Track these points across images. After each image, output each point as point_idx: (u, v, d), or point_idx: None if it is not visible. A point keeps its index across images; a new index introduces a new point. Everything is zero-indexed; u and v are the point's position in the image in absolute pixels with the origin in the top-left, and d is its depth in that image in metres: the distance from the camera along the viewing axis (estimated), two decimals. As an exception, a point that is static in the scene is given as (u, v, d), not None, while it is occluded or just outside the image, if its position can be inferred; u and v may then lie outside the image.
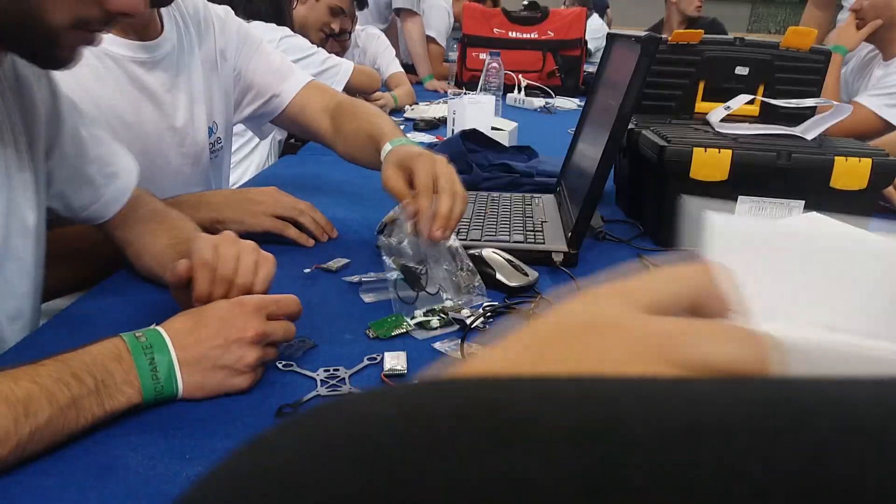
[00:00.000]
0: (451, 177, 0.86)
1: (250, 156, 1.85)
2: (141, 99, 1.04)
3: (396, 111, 2.29)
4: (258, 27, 1.83)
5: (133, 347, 0.59)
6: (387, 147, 0.97)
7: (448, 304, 0.80)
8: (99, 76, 0.99)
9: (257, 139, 1.82)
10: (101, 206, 0.85)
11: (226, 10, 1.20)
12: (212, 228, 0.94)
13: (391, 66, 2.58)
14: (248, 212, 1.01)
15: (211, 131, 1.17)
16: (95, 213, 0.85)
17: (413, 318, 0.77)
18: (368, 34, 2.64)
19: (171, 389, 0.60)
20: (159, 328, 0.62)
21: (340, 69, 1.99)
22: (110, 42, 0.99)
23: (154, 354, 0.60)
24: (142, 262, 0.86)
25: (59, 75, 0.83)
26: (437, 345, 0.74)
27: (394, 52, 2.69)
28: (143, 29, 1.02)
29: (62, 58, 0.67)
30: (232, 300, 0.66)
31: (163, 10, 1.05)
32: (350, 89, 2.03)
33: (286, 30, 1.89)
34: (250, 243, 0.73)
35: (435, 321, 0.77)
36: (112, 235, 0.88)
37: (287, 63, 1.26)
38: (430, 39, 3.31)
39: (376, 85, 2.22)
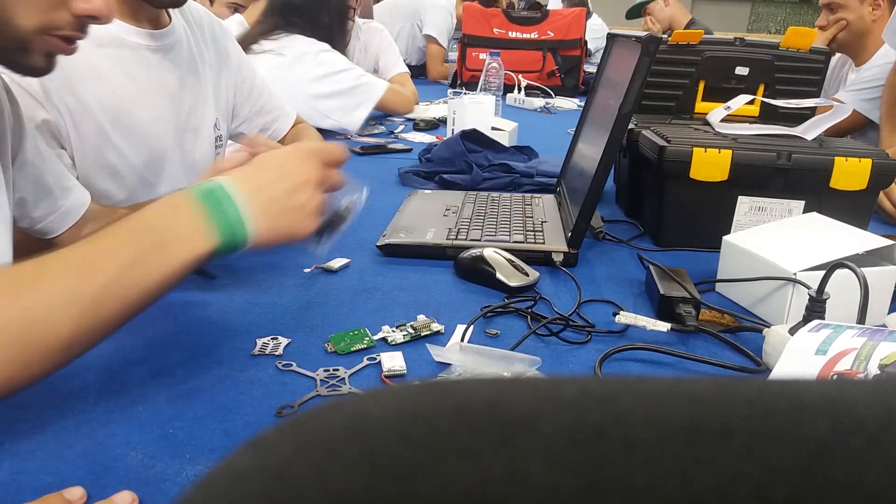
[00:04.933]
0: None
1: None
2: (154, 86, 1.05)
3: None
4: (300, 41, 1.86)
5: (195, 193, 0.57)
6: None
7: (420, 317, 0.78)
8: (115, 62, 1.00)
9: None
10: (58, 216, 0.86)
11: (227, 29, 1.26)
12: None
13: (396, 65, 2.53)
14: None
15: (216, 127, 1.18)
16: (51, 226, 0.86)
17: (378, 332, 0.75)
18: (371, 28, 2.56)
19: (241, 233, 0.59)
20: (217, 177, 0.60)
21: (374, 88, 1.97)
22: (126, 31, 1.00)
23: (221, 197, 0.58)
24: None
25: (78, 65, 0.89)
26: (430, 346, 0.74)
27: (397, 49, 2.63)
28: (155, 19, 1.04)
29: (37, 64, 0.67)
30: (286, 147, 0.66)
31: (170, 9, 1.07)
32: (381, 108, 2.03)
33: (325, 45, 1.90)
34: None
35: (399, 336, 0.74)
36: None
37: (274, 102, 1.34)
38: (431, 39, 3.31)
39: (409, 108, 2.18)
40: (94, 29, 0.89)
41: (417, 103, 2.37)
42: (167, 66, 1.06)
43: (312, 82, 1.85)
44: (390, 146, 1.75)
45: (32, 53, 0.65)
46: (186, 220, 0.56)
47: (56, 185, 0.86)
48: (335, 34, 1.96)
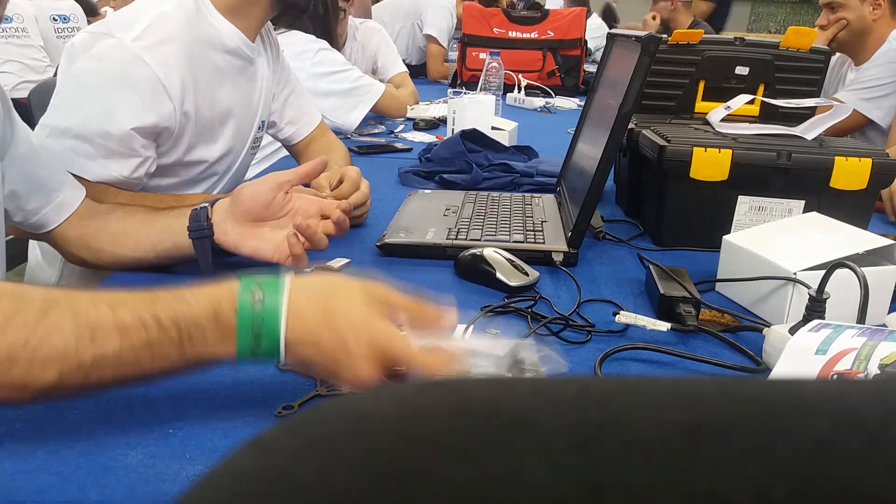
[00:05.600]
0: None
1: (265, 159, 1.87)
2: (245, 93, 1.16)
3: None
4: (299, 37, 1.87)
5: (241, 314, 0.52)
6: None
7: None
8: (236, 70, 1.12)
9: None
10: (52, 209, 0.87)
11: (298, 39, 1.40)
12: None
13: (395, 65, 2.53)
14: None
15: (260, 127, 1.26)
16: (45, 219, 0.87)
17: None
18: (368, 27, 2.56)
19: (271, 358, 0.54)
20: (282, 297, 0.53)
21: (371, 89, 1.99)
22: (243, 42, 1.11)
23: (262, 331, 0.52)
24: (117, 248, 0.87)
25: (211, 71, 1.04)
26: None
27: (395, 48, 2.62)
28: (256, 28, 1.13)
29: None
30: (368, 321, 0.54)
31: None
32: (375, 110, 2.05)
33: (325, 43, 1.92)
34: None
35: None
36: (64, 239, 0.89)
37: (305, 98, 1.40)
38: (431, 39, 3.31)
39: (402, 112, 2.21)
40: (224, 38, 1.08)
41: (417, 102, 2.37)
42: (257, 76, 1.18)
43: (311, 80, 1.85)
44: (390, 146, 1.75)
45: None
46: (217, 334, 0.52)
47: (49, 179, 0.86)
48: (330, 28, 1.98)
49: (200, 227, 0.82)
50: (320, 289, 0.55)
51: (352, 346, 0.53)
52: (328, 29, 1.97)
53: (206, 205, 0.83)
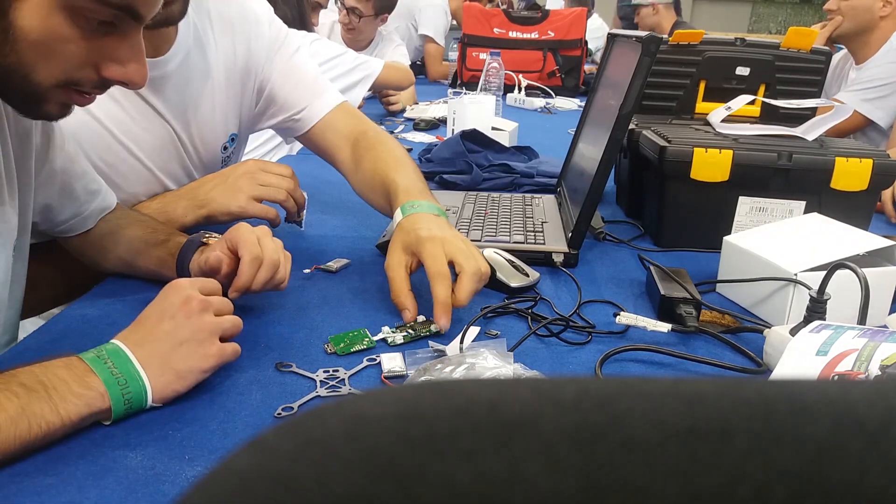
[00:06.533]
0: (466, 252, 0.80)
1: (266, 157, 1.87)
2: (149, 117, 0.98)
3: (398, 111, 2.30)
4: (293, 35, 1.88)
5: (85, 354, 0.58)
6: (397, 216, 0.88)
7: (420, 318, 0.79)
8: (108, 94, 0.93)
9: (278, 143, 1.85)
10: (80, 220, 0.86)
11: (266, 15, 1.10)
12: (202, 221, 0.98)
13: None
14: (232, 199, 0.98)
15: (227, 145, 1.10)
16: (70, 228, 0.86)
17: (378, 333, 0.75)
18: (387, 39, 2.67)
19: (137, 389, 0.58)
20: (116, 340, 0.61)
21: (371, 65, 2.01)
22: None
23: (107, 354, 0.58)
24: (110, 255, 0.87)
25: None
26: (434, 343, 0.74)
27: (404, 47, 2.68)
28: (156, 47, 0.94)
29: (50, 112, 0.64)
30: (179, 299, 0.63)
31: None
32: (382, 85, 2.06)
33: (315, 35, 1.95)
34: (278, 241, 0.78)
35: (399, 337, 0.75)
36: (84, 246, 0.88)
37: (319, 80, 1.14)
38: (428, 39, 3.31)
39: (409, 79, 2.21)
40: None
41: (417, 102, 2.37)
42: (159, 95, 0.97)
43: None
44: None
45: (48, 104, 0.62)
46: (76, 377, 0.55)
47: (83, 191, 0.85)
48: (304, 16, 2.00)
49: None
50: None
51: (168, 303, 0.63)
52: (302, 15, 1.97)
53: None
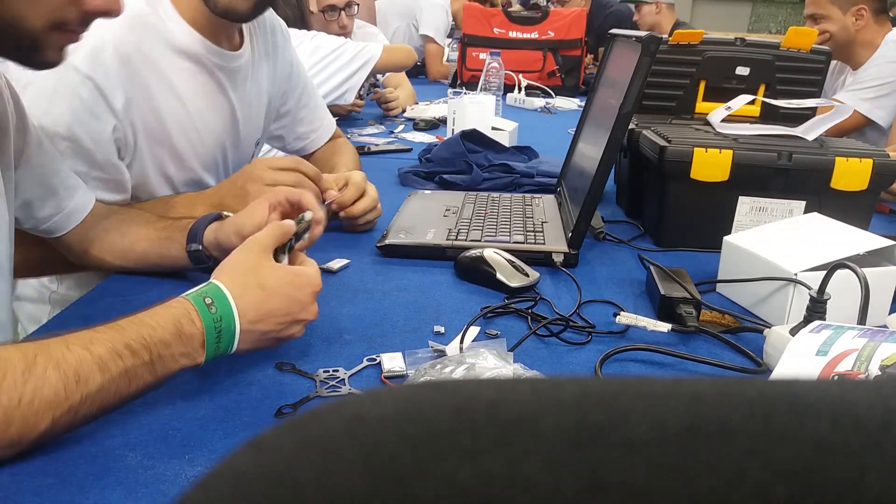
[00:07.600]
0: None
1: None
2: (219, 106, 1.05)
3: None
4: (290, 33, 1.89)
5: (206, 321, 0.60)
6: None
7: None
8: (190, 77, 0.99)
9: None
10: (62, 217, 0.86)
11: (291, 34, 1.24)
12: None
13: None
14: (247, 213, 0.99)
15: (257, 144, 1.19)
16: (55, 226, 0.86)
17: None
18: (366, 33, 2.61)
19: (226, 352, 0.63)
20: (230, 298, 0.62)
21: (370, 50, 2.02)
22: (206, 48, 0.98)
23: (222, 328, 0.61)
24: (115, 253, 0.88)
25: (157, 78, 0.93)
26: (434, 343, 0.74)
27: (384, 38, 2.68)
28: (231, 37, 1.04)
29: (50, 58, 0.67)
30: (292, 271, 0.68)
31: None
32: (385, 68, 2.07)
33: (313, 31, 1.96)
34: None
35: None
36: (67, 244, 0.89)
37: (317, 112, 1.33)
38: (428, 39, 3.31)
39: (411, 57, 2.22)
40: (176, 39, 0.94)
41: (416, 102, 2.37)
42: (232, 87, 1.06)
43: (314, 68, 1.89)
44: (390, 146, 1.75)
45: (46, 50, 0.66)
46: (183, 346, 0.59)
47: (60, 186, 0.86)
48: (304, 14, 2.04)
49: (200, 259, 0.83)
50: (240, 270, 0.65)
51: (297, 294, 0.66)
52: (302, 15, 2.00)
53: (199, 248, 0.83)
